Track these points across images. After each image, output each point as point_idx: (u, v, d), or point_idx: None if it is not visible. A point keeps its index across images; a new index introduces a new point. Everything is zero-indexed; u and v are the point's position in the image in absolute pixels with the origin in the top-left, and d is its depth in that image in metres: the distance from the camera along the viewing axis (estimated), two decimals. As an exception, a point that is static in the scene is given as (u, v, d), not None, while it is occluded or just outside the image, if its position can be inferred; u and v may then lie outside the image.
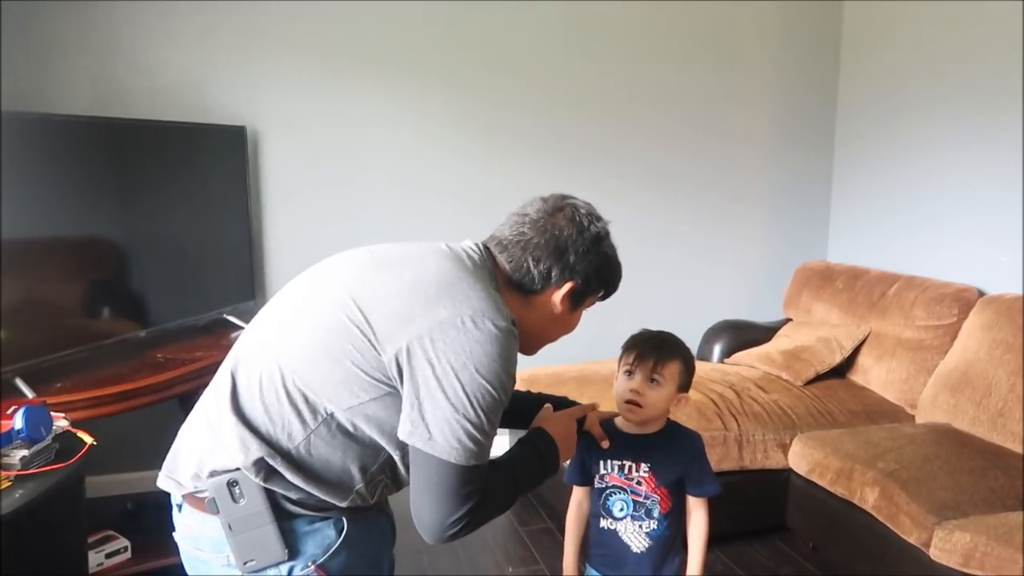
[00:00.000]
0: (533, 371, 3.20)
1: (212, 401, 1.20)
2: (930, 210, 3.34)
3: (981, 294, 2.96)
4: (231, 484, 1.12)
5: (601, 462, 1.62)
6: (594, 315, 4.01)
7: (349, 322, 1.11)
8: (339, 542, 1.18)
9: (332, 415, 1.12)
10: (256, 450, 1.11)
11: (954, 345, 2.89)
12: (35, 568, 1.69)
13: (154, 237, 2.64)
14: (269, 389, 1.13)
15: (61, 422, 1.74)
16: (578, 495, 1.70)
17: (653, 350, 1.57)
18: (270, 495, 1.12)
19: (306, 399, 1.12)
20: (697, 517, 1.66)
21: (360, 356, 1.10)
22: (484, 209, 3.53)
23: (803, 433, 2.75)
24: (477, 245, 1.28)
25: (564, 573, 1.68)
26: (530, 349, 1.33)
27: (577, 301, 1.30)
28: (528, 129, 3.47)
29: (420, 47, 3.26)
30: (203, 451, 1.16)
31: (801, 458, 2.65)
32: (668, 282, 3.77)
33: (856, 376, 3.21)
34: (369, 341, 1.10)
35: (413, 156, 3.34)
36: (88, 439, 1.70)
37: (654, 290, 3.75)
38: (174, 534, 1.24)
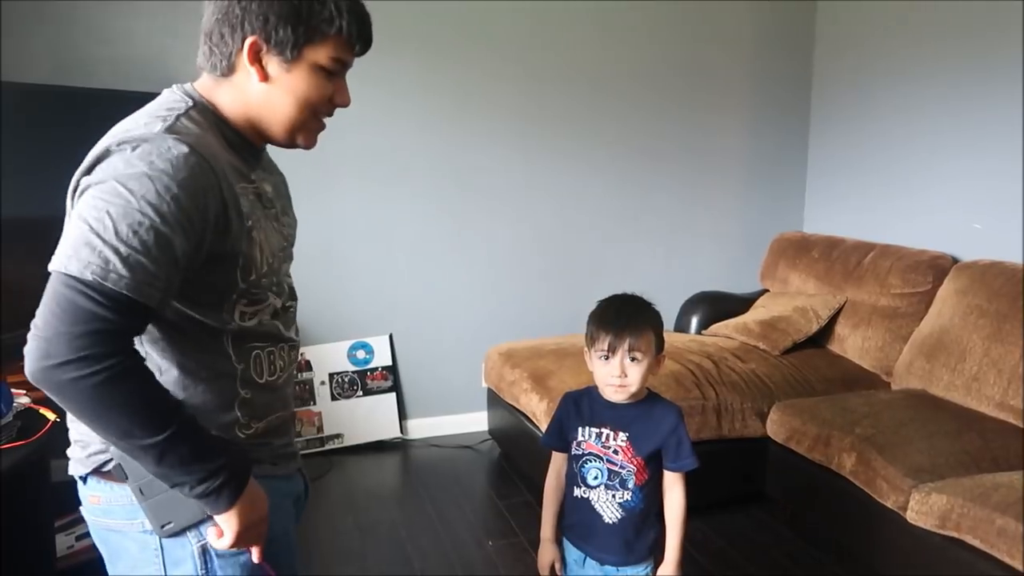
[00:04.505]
0: (511, 345, 3.18)
1: None
2: (905, 179, 3.34)
3: (955, 261, 2.97)
4: None
5: (579, 428, 1.60)
6: (571, 288, 3.95)
7: None
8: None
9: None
10: None
11: (929, 312, 2.91)
12: (0, 549, 1.64)
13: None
14: None
15: (22, 399, 1.69)
16: (557, 461, 1.68)
17: (625, 329, 1.52)
18: None
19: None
20: (674, 494, 1.61)
21: None
22: (458, 181, 3.50)
23: (781, 401, 2.76)
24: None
25: (542, 537, 1.66)
26: (278, 135, 1.16)
27: (287, 54, 1.08)
28: (501, 100, 3.42)
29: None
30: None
31: (779, 426, 2.66)
32: (645, 254, 3.76)
33: (833, 345, 3.23)
34: None
35: (385, 134, 3.28)
36: (51, 416, 1.65)
37: (631, 262, 3.74)
38: (80, 508, 1.13)
